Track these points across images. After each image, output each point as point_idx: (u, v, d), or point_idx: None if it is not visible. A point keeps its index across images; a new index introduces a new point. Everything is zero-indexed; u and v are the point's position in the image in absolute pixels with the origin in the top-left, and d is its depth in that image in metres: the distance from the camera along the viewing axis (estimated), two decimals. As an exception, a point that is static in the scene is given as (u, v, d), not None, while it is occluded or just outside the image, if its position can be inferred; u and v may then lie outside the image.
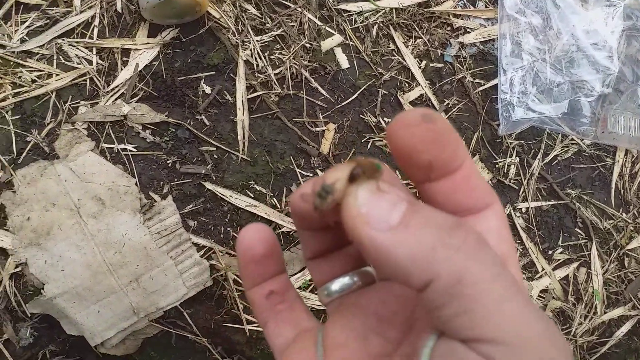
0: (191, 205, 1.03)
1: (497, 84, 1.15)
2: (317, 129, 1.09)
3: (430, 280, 0.21)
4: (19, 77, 1.04)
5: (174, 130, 1.05)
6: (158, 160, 1.04)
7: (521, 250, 1.13)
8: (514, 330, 0.20)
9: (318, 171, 1.06)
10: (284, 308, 0.33)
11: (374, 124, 1.11)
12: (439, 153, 0.24)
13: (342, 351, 0.28)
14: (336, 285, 0.31)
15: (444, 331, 0.23)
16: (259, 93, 1.07)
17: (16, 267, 0.98)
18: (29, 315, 1.01)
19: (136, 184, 1.01)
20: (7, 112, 1.02)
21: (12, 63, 1.05)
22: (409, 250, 0.21)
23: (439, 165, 0.25)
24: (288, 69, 1.08)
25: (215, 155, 1.06)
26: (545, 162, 1.16)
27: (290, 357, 0.30)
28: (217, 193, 1.04)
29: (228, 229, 1.04)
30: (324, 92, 1.10)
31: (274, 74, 1.08)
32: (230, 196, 1.04)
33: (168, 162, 1.04)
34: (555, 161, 1.17)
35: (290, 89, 1.09)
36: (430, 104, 1.12)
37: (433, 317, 0.23)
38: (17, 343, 1.03)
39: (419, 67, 1.15)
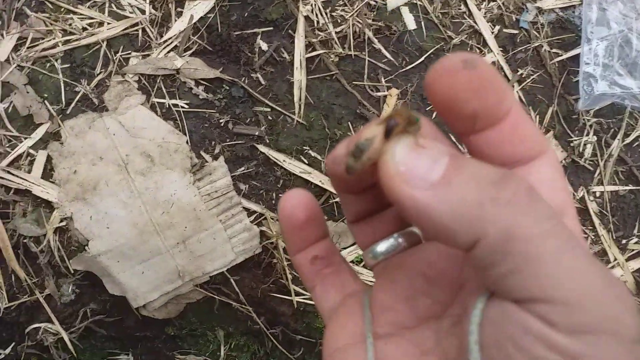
0: (243, 168, 0.98)
1: (576, 54, 1.05)
2: (379, 93, 1.01)
3: (478, 239, 0.20)
4: (70, 24, 0.99)
5: (227, 87, 0.99)
6: (210, 118, 0.98)
7: (592, 237, 1.04)
8: (571, 287, 0.19)
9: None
10: (329, 272, 0.33)
11: (440, 91, 1.02)
12: (483, 101, 0.22)
13: (390, 314, 0.28)
14: (381, 247, 0.30)
15: (495, 292, 0.21)
16: (318, 52, 1.00)
17: (61, 221, 0.95)
18: (72, 272, 0.98)
19: (187, 142, 0.96)
20: (56, 60, 0.98)
21: (62, 9, 1.00)
22: (453, 207, 0.20)
23: (484, 114, 0.23)
24: (350, 28, 1.00)
25: (269, 117, 1.00)
26: (625, 143, 1.05)
27: (338, 321, 0.30)
28: (270, 157, 0.98)
29: (280, 194, 0.98)
30: (387, 55, 1.02)
31: (335, 33, 1.00)
32: (284, 161, 0.98)
33: (220, 121, 0.98)
34: (637, 143, 1.06)
35: (352, 49, 1.01)
36: (503, 73, 1.03)
37: (483, 277, 0.21)
38: (59, 299, 1.00)
39: (492, 32, 1.05)
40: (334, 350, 0.29)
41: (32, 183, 0.94)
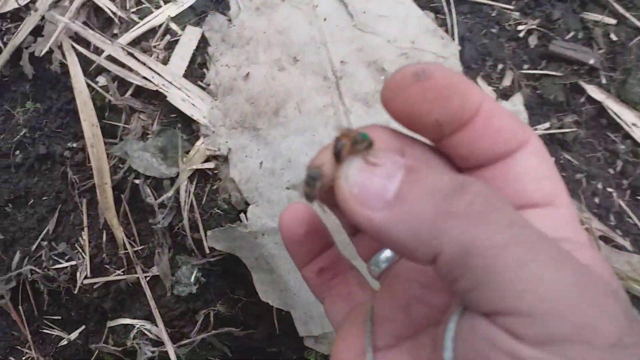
0: (547, 125, 0.51)
1: None
2: None
3: (436, 255, 0.19)
4: None
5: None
6: (501, 19, 0.52)
7: None
8: (535, 297, 0.17)
9: None
10: (337, 282, 0.31)
11: None
12: (444, 109, 0.21)
13: (389, 325, 0.27)
14: (382, 256, 0.29)
15: (464, 304, 0.20)
16: None
17: (206, 159, 0.52)
18: (204, 251, 0.56)
19: (456, 56, 0.50)
20: None
21: None
22: (409, 225, 0.20)
23: (449, 120, 0.22)
24: None
25: (612, 35, 0.52)
26: None
27: (343, 334, 0.29)
28: (607, 110, 0.50)
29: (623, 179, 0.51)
30: None
31: None
32: (633, 125, 0.50)
33: (519, 28, 0.52)
34: None
35: None
36: None
37: (450, 290, 0.20)
38: (171, 288, 0.60)
39: None
40: None
41: (168, 82, 0.52)
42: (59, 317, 0.70)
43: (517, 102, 0.50)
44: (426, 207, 0.19)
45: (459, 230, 0.19)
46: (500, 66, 0.52)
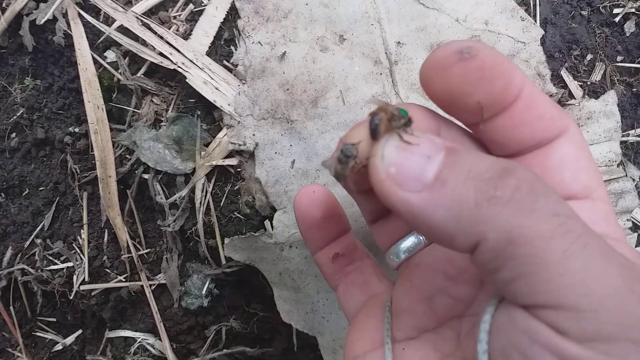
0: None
1: None
2: None
3: (478, 243, 0.18)
4: None
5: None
6: (591, 0, 0.42)
7: None
8: (582, 291, 0.17)
9: None
10: (353, 269, 0.31)
11: None
12: (487, 91, 0.20)
13: (409, 316, 0.26)
14: (403, 245, 0.28)
15: (502, 295, 0.19)
16: None
17: (229, 155, 0.44)
18: (221, 260, 0.48)
19: (540, 43, 0.41)
20: None
21: None
22: (449, 210, 0.19)
23: (491, 103, 0.21)
24: None
25: None
26: None
27: (359, 325, 0.28)
28: None
29: None
30: None
31: None
32: None
33: (616, 12, 0.42)
34: None
35: None
36: None
37: (488, 281, 0.20)
38: (178, 299, 0.52)
39: None
40: (354, 357, 0.26)
41: (189, 60, 0.43)
42: (54, 320, 0.63)
43: (609, 101, 0.41)
44: (468, 191, 0.18)
45: (505, 217, 0.18)
46: (589, 57, 0.42)
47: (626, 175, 0.41)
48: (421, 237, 0.28)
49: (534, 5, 0.42)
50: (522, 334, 0.18)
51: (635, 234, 0.42)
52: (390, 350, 0.25)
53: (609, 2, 0.43)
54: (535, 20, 0.42)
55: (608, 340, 0.16)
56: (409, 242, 0.28)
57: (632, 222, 0.43)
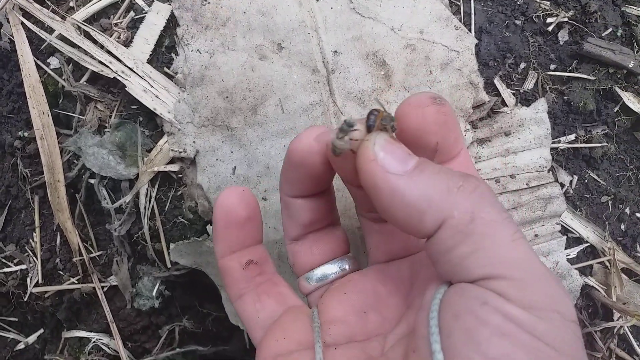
0: (571, 137, 0.44)
1: None
2: None
3: (444, 220, 0.22)
4: None
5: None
6: (525, 9, 0.43)
7: None
8: (524, 267, 0.21)
9: None
10: (263, 280, 0.31)
11: None
12: (446, 135, 0.25)
13: (341, 325, 0.28)
14: (326, 270, 0.31)
15: (453, 277, 0.23)
16: None
17: (171, 161, 0.45)
18: (167, 263, 0.49)
19: (472, 52, 0.42)
20: None
21: None
22: (424, 191, 0.22)
23: (444, 148, 0.26)
24: None
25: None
26: None
27: (283, 326, 0.29)
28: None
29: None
30: None
31: None
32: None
33: (548, 22, 0.43)
34: None
35: None
36: None
37: (443, 262, 0.22)
38: (131, 300, 0.53)
39: None
40: (276, 355, 0.28)
41: (129, 68, 0.44)
42: (16, 319, 0.64)
43: (539, 109, 0.42)
44: (441, 180, 0.22)
45: (470, 202, 0.22)
46: (522, 65, 0.43)
47: (555, 181, 0.43)
48: (346, 266, 0.31)
49: (469, 14, 0.43)
50: (474, 299, 0.21)
51: (564, 237, 0.43)
52: (321, 348, 0.26)
53: (542, 12, 0.43)
54: (471, 29, 0.43)
55: (543, 309, 0.20)
56: (334, 267, 0.31)
57: (562, 225, 0.44)
